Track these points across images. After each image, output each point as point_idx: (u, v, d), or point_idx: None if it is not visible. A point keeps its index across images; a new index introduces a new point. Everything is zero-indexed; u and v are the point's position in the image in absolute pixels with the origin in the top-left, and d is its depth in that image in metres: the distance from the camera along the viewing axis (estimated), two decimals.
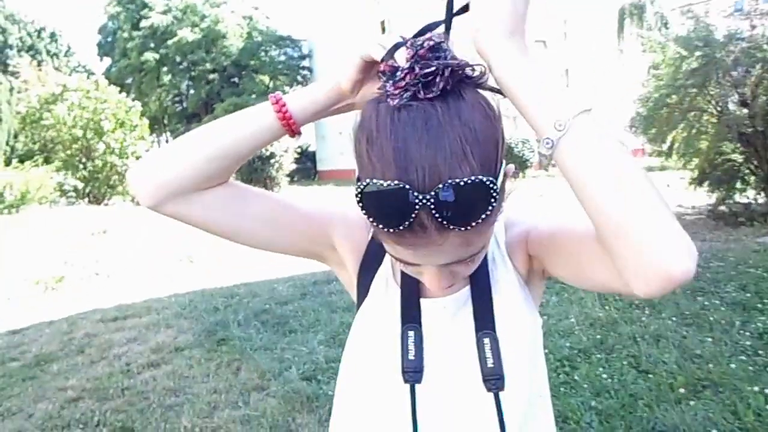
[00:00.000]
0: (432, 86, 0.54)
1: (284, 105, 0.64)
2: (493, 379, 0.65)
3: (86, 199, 14.27)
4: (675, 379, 2.83)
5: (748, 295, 4.13)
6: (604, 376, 2.96)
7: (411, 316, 0.69)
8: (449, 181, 0.51)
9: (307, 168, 31.16)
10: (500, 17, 0.55)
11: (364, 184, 0.54)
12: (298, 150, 18.13)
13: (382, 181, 0.52)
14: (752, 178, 7.68)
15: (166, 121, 38.20)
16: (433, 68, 0.54)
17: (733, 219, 7.41)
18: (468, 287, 0.70)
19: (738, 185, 7.87)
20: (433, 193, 0.51)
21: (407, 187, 0.52)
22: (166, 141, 38.57)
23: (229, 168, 0.67)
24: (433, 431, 0.67)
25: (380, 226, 0.55)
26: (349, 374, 0.74)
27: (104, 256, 7.52)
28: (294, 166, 17.84)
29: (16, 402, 3.17)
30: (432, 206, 0.52)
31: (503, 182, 0.58)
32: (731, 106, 7.52)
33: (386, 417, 0.69)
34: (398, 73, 0.55)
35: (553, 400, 2.59)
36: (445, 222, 0.52)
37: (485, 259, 0.71)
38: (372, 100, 0.58)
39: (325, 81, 0.66)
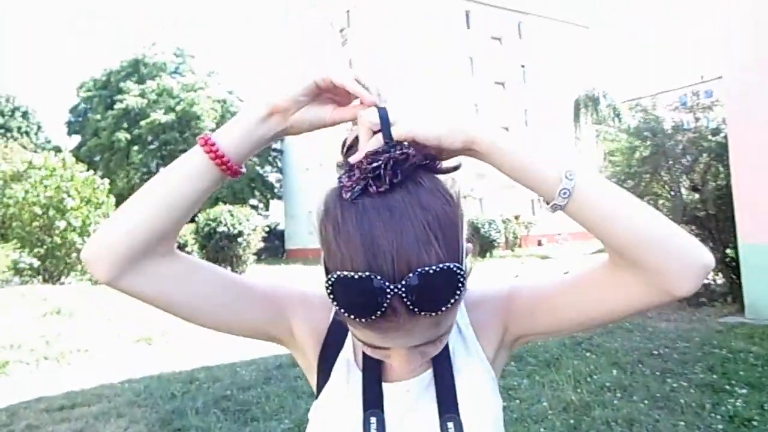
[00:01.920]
0: (380, 179, 0.56)
1: (214, 145, 0.63)
2: None
3: (41, 277, 13.69)
4: None
5: (716, 376, 4.15)
6: None
7: (373, 401, 0.67)
8: (418, 269, 0.52)
9: (275, 246, 30.92)
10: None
11: (335, 276, 0.54)
12: (267, 228, 18.04)
13: (352, 273, 0.53)
14: None
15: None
16: (379, 162, 0.56)
17: (696, 300, 7.59)
18: (430, 370, 0.69)
19: None
20: (403, 282, 0.52)
21: (378, 277, 0.52)
22: None
23: (179, 220, 0.65)
24: None
25: (352, 316, 0.55)
26: None
27: (55, 339, 7.09)
28: (262, 245, 17.66)
29: None
30: (403, 294, 0.52)
31: (467, 278, 0.59)
32: (683, 191, 7.96)
33: None
34: (353, 169, 0.58)
35: None
36: (416, 309, 0.53)
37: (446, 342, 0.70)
38: (333, 190, 0.59)
39: (254, 107, 0.65)
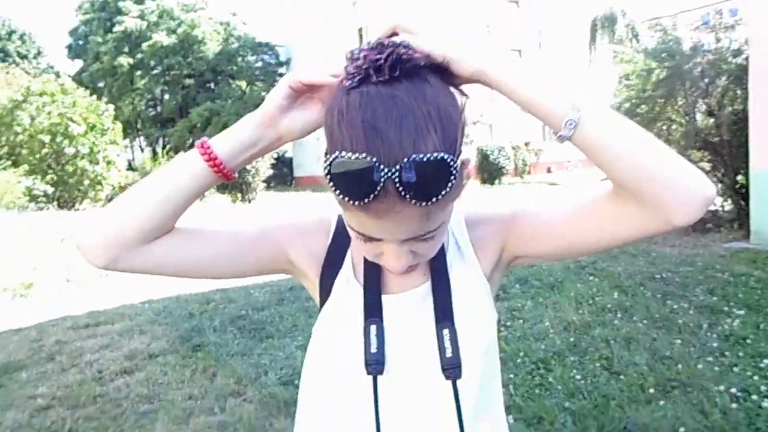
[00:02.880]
0: (380, 71, 0.57)
1: (212, 151, 0.66)
2: (451, 368, 0.69)
3: (56, 204, 13.93)
4: (645, 380, 2.90)
5: (715, 298, 4.26)
6: (578, 377, 3.02)
7: (373, 311, 0.71)
8: (414, 156, 0.54)
9: (283, 174, 30.95)
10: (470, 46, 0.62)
11: (333, 156, 0.56)
12: (275, 156, 17.99)
13: (350, 154, 0.55)
14: (719, 185, 7.94)
15: (139, 126, 37.54)
16: (383, 54, 0.58)
17: (702, 226, 7.63)
18: (429, 282, 0.73)
19: None
20: (397, 167, 0.55)
21: (374, 159, 0.55)
22: (140, 146, 37.89)
23: (173, 216, 0.69)
24: (395, 419, 0.69)
25: (347, 198, 0.57)
26: (314, 369, 0.76)
27: (75, 262, 7.34)
28: (270, 172, 17.70)
29: None
30: (396, 179, 0.55)
31: (462, 167, 0.61)
32: (698, 116, 7.78)
33: (350, 408, 0.71)
34: (357, 56, 0.60)
35: (527, 401, 2.63)
36: (407, 195, 0.56)
37: (444, 255, 0.74)
38: (340, 82, 0.61)
39: (251, 117, 0.68)
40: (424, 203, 0.57)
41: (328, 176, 0.57)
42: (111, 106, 16.30)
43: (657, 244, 6.70)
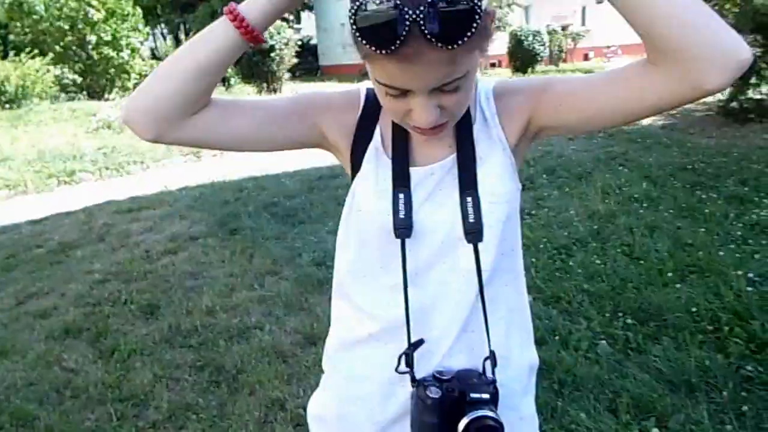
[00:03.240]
0: None
1: (239, 13, 0.67)
2: (473, 232, 0.74)
3: (86, 93, 14.04)
4: (665, 265, 2.99)
5: (746, 188, 4.21)
6: (598, 262, 3.13)
7: (401, 181, 0.76)
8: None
9: (308, 62, 30.07)
10: None
11: (356, 5, 0.58)
12: (299, 43, 17.34)
13: (374, 1, 0.57)
14: None
15: (159, 12, 36.37)
16: None
17: (744, 116, 7.30)
18: (454, 155, 0.77)
19: (753, 80, 7.66)
20: (422, 11, 0.57)
21: (399, 4, 0.57)
22: (162, 33, 36.94)
23: (207, 86, 0.72)
24: (421, 279, 0.77)
25: (374, 48, 0.60)
26: (347, 234, 0.82)
27: (111, 151, 7.58)
28: (295, 61, 17.20)
29: (47, 283, 3.40)
30: (421, 21, 0.57)
31: (486, 15, 0.62)
32: None
33: (381, 267, 0.79)
34: None
35: (548, 283, 2.74)
36: (433, 38, 0.58)
37: (470, 126, 0.77)
38: None
39: None
40: (449, 46, 0.59)
41: (354, 27, 0.59)
42: None
43: (693, 134, 6.50)
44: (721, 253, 3.10)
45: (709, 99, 8.57)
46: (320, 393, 0.90)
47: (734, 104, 7.64)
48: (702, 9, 0.59)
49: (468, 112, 0.76)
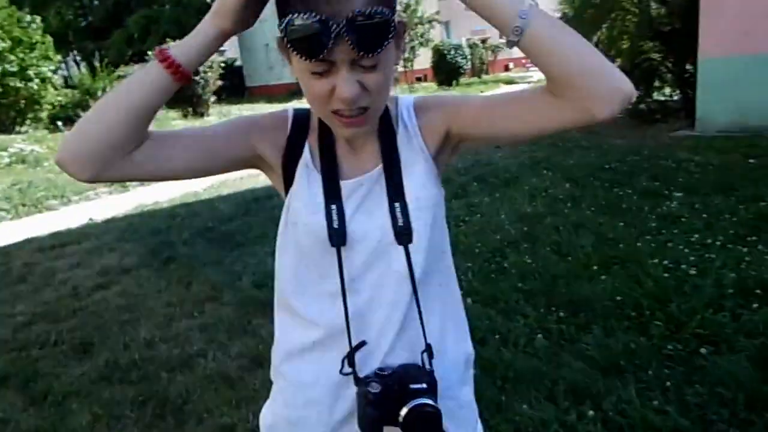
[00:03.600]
0: None
1: (173, 61, 0.72)
2: (403, 235, 0.80)
3: None
4: (590, 259, 3.20)
5: (657, 183, 4.58)
6: (530, 261, 3.29)
7: (333, 193, 0.82)
8: (358, 11, 0.65)
9: (235, 85, 29.59)
10: None
11: (287, 20, 0.66)
12: (223, 65, 17.04)
13: (303, 12, 0.65)
14: (669, 75, 8.15)
15: (71, 38, 34.64)
16: None
17: (651, 117, 7.92)
18: (380, 166, 0.83)
19: (656, 83, 8.34)
20: (343, 22, 0.65)
21: (323, 18, 0.64)
22: (74, 60, 35.19)
23: (142, 127, 0.75)
24: (357, 284, 0.82)
25: (304, 57, 0.68)
26: (285, 248, 0.86)
27: (27, 186, 7.13)
28: (220, 83, 16.90)
29: None
30: (345, 35, 0.65)
31: (400, 26, 0.72)
32: (652, 4, 7.79)
33: (319, 276, 0.83)
34: None
35: (485, 285, 2.86)
36: (354, 47, 0.66)
37: (394, 139, 0.84)
38: None
39: (207, 29, 0.73)
40: (369, 54, 0.67)
41: (285, 40, 0.66)
42: (37, 17, 14.93)
43: (608, 136, 6.97)
44: (639, 244, 3.35)
45: None
46: (271, 403, 0.93)
47: (642, 106, 8.28)
48: (593, 54, 0.69)
49: (391, 124, 0.83)
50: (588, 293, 2.79)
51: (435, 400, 0.75)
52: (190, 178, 0.85)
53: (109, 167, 0.74)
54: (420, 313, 0.81)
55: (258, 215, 5.02)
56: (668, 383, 2.06)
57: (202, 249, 4.22)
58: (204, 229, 4.72)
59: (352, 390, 0.80)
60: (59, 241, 4.84)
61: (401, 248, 0.80)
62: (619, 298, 2.70)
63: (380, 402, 0.74)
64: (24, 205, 6.39)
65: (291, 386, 0.88)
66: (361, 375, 0.79)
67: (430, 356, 0.80)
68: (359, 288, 0.82)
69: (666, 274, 2.91)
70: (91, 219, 5.46)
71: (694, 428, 1.83)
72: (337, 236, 0.80)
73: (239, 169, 0.88)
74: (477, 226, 4.07)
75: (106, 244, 4.63)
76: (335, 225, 0.80)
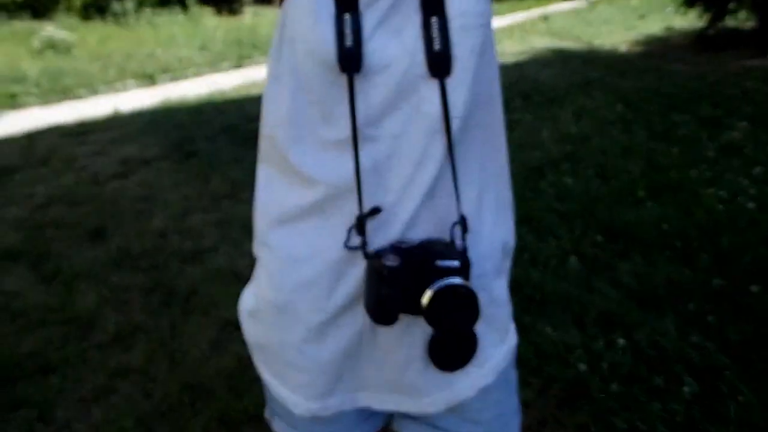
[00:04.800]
0: None
1: None
2: (441, 63, 0.57)
3: (28, 12, 12.93)
4: (636, 185, 2.92)
5: (720, 111, 4.14)
6: (569, 182, 3.03)
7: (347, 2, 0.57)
8: None
9: None
10: None
11: None
12: None
13: None
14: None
15: None
16: None
17: (721, 44, 7.18)
18: None
19: (731, 6, 7.49)
20: None
21: None
22: None
23: None
24: (373, 129, 0.59)
25: None
26: (278, 78, 0.63)
27: (58, 73, 7.02)
28: None
29: None
30: None
31: None
32: None
33: (322, 117, 0.60)
34: None
35: (518, 204, 2.62)
36: None
37: None
38: None
39: None
40: None
41: None
42: None
43: (671, 61, 6.36)
44: (693, 173, 3.04)
45: (686, 27, 8.39)
46: (253, 285, 0.73)
47: (711, 31, 7.50)
48: None
49: None
50: (630, 219, 2.55)
51: (469, 282, 0.57)
52: None
53: None
54: (455, 175, 0.59)
55: None
56: (710, 318, 1.87)
57: (225, 146, 4.07)
58: (228, 127, 4.55)
59: (359, 268, 0.60)
60: (84, 129, 4.76)
61: (436, 83, 0.57)
62: (665, 226, 2.45)
63: (399, 280, 0.55)
64: (53, 92, 6.31)
65: (279, 262, 0.66)
66: (373, 248, 0.59)
67: (464, 231, 0.60)
68: (376, 135, 0.59)
69: (720, 206, 2.63)
70: (117, 110, 5.34)
71: (734, 367, 1.65)
72: (350, 59, 0.57)
73: None
74: (516, 142, 3.77)
75: (129, 134, 4.52)
76: (348, 43, 0.57)
